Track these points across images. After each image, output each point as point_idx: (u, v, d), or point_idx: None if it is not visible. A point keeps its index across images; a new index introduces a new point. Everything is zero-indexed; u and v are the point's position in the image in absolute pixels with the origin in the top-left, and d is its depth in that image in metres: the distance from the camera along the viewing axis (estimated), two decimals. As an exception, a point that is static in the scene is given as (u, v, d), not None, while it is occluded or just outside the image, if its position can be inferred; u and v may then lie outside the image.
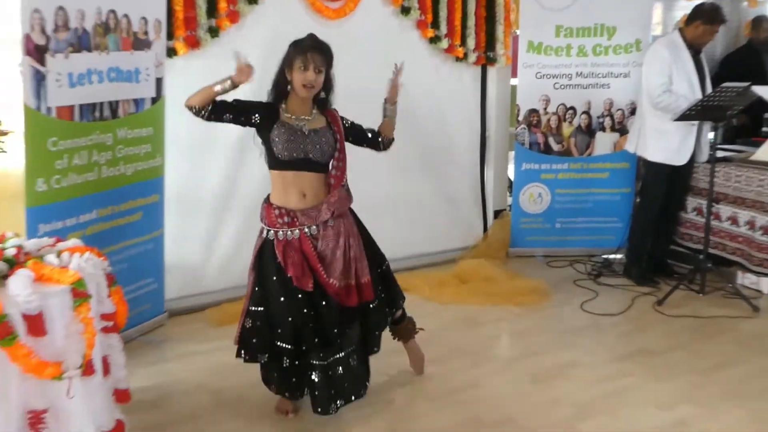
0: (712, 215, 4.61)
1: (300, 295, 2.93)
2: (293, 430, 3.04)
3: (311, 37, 2.98)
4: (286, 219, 2.95)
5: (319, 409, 2.96)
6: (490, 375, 3.52)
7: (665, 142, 4.61)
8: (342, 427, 3.04)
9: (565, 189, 5.35)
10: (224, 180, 4.35)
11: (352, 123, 3.21)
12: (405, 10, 4.84)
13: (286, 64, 2.93)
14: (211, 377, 3.48)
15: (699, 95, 4.46)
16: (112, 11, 3.49)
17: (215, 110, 2.88)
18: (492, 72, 5.46)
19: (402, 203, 5.04)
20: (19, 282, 2.30)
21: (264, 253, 3.00)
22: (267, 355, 3.01)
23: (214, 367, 3.58)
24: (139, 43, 3.68)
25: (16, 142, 2.87)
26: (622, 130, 5.23)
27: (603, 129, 5.28)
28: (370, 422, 3.08)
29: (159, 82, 3.84)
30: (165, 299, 4.12)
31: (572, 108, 5.26)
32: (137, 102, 3.73)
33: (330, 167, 3.07)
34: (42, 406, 2.32)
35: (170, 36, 3.97)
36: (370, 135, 3.26)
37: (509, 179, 5.81)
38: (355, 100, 4.67)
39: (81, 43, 3.33)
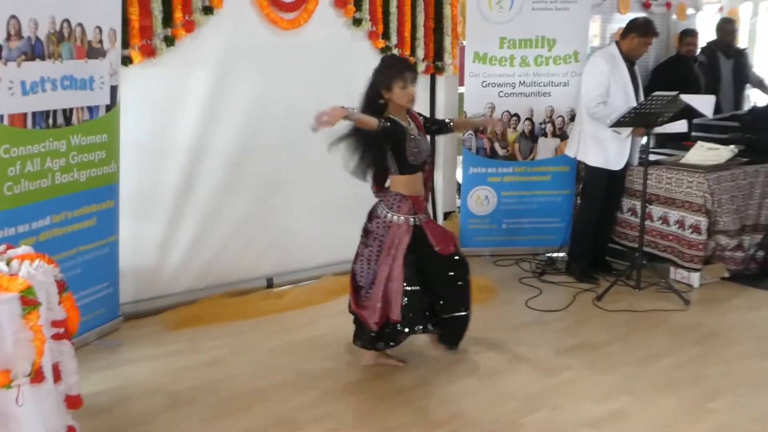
0: (645, 215, 4.65)
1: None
2: (245, 429, 2.94)
3: (400, 59, 3.54)
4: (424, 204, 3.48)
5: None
6: (439, 372, 3.47)
7: (603, 148, 4.65)
8: (293, 427, 2.96)
9: (510, 191, 5.35)
10: (179, 184, 4.22)
11: (424, 117, 3.56)
12: (357, 22, 4.78)
13: (382, 85, 3.24)
14: (166, 380, 3.36)
15: (634, 104, 4.50)
16: (66, 20, 3.36)
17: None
18: (440, 81, 5.44)
19: (356, 205, 4.92)
20: (-34, 290, 2.18)
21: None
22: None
23: (169, 369, 3.47)
24: (94, 52, 3.54)
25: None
26: (562, 135, 5.26)
27: (545, 135, 5.29)
28: (321, 423, 3.00)
29: (114, 90, 3.71)
30: (120, 303, 3.98)
31: (516, 115, 5.26)
32: (91, 109, 3.59)
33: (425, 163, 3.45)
34: (-10, 414, 2.20)
35: (126, 45, 3.85)
36: (434, 126, 3.64)
37: (457, 182, 5.79)
38: (309, 108, 4.62)
39: (34, 51, 3.20)
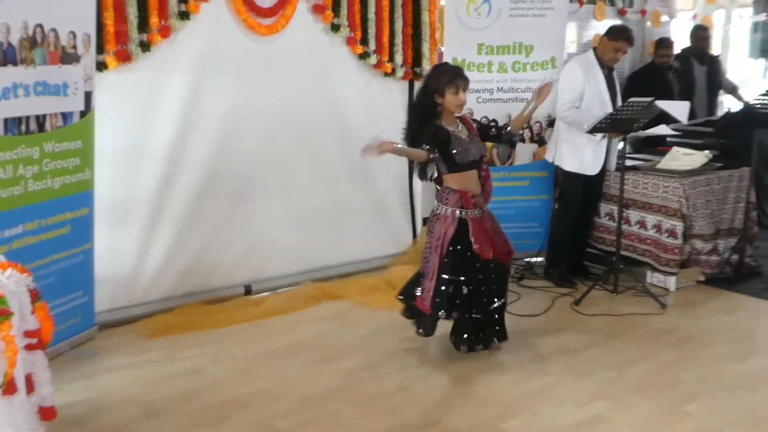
0: (622, 220, 4.69)
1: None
2: (225, 439, 2.93)
3: (452, 66, 3.74)
4: (474, 200, 3.60)
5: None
6: (419, 378, 3.47)
7: (579, 153, 4.70)
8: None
9: (489, 197, 5.37)
10: (154, 191, 4.17)
11: (479, 122, 3.93)
12: (335, 27, 4.77)
13: (436, 90, 3.50)
14: (142, 389, 3.32)
15: (610, 110, 4.55)
16: (39, 25, 3.32)
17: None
18: (419, 86, 5.43)
19: (335, 212, 4.97)
20: (-65, 301, 2.13)
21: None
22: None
23: (145, 379, 3.43)
24: (68, 57, 3.50)
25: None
26: (540, 141, 5.29)
27: (523, 140, 5.32)
28: (300, 430, 2.98)
29: (88, 95, 3.66)
30: (95, 312, 3.92)
31: (494, 120, 5.28)
32: (65, 115, 3.55)
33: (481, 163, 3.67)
34: (-40, 427, 2.15)
35: (100, 50, 3.80)
36: (492, 131, 3.83)
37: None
38: (289, 113, 4.62)
39: (6, 57, 3.16)
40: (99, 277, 3.92)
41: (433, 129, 3.49)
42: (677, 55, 6.52)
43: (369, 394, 3.31)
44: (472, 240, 3.53)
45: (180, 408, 3.14)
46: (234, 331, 4.03)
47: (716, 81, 6.58)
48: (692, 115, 5.77)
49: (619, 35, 4.59)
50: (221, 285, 4.51)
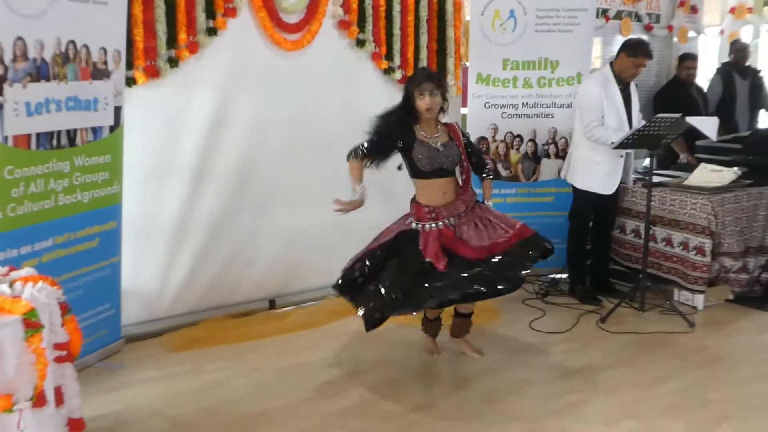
0: (649, 237, 4.64)
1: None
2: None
3: (421, 71, 3.99)
4: (433, 215, 3.54)
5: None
6: (444, 395, 3.46)
7: (594, 171, 4.67)
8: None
9: (513, 213, 5.29)
10: (181, 206, 4.21)
11: (469, 140, 3.75)
12: (360, 43, 4.81)
13: (411, 94, 3.51)
14: (168, 403, 3.33)
15: (626, 126, 4.53)
16: (72, 42, 3.38)
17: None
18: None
19: (359, 226, 4.95)
20: (-31, 313, 2.18)
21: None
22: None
23: (171, 392, 3.45)
24: (98, 73, 3.56)
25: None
26: (565, 157, 5.27)
27: (548, 156, 5.31)
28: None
29: (117, 110, 3.72)
30: (122, 325, 3.96)
31: (519, 136, 5.28)
32: (95, 130, 3.60)
33: (457, 172, 3.61)
34: (-9, 439, 2.19)
35: (130, 66, 3.86)
36: (476, 160, 3.73)
37: (460, 203, 5.78)
38: (313, 127, 4.65)
39: (39, 72, 3.21)
40: (125, 291, 3.96)
41: (400, 130, 3.52)
42: (718, 69, 6.46)
43: (392, 410, 3.29)
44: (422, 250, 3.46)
45: (205, 422, 3.15)
46: (258, 345, 4.04)
47: (759, 96, 6.50)
48: (733, 129, 5.73)
49: (638, 51, 4.52)
50: (246, 299, 4.54)
